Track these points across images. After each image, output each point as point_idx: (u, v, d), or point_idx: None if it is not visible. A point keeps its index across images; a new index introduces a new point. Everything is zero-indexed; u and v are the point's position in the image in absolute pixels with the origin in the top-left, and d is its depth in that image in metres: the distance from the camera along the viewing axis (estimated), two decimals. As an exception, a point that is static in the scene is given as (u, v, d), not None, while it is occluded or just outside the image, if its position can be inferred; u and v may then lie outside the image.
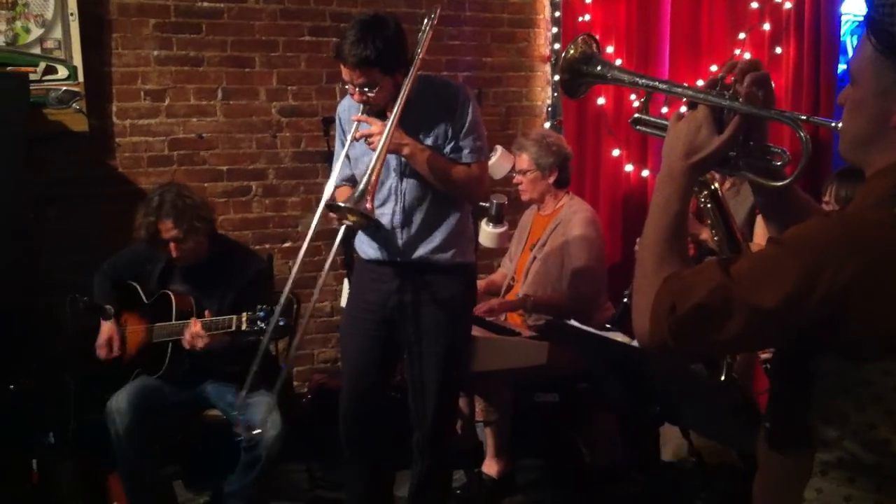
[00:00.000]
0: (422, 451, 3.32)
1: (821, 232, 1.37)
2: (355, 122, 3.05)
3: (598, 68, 1.73)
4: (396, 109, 2.97)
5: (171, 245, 3.53)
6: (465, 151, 3.13)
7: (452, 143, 3.12)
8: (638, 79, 1.75)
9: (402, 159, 3.09)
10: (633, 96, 4.79)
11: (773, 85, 1.58)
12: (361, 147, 3.13)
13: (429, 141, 3.10)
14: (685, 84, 1.64)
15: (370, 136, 2.99)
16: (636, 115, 1.74)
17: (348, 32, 2.99)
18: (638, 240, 3.29)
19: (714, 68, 4.37)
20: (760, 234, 3.57)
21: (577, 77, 1.76)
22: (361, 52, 2.94)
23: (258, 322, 3.26)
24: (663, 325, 1.39)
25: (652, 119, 1.72)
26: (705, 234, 3.49)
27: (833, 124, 1.50)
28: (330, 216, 3.05)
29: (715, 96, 1.54)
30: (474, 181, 3.16)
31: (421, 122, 3.11)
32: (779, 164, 1.58)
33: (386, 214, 3.17)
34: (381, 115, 3.03)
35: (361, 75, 2.98)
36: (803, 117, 1.55)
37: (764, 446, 1.55)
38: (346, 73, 3.02)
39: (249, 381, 3.11)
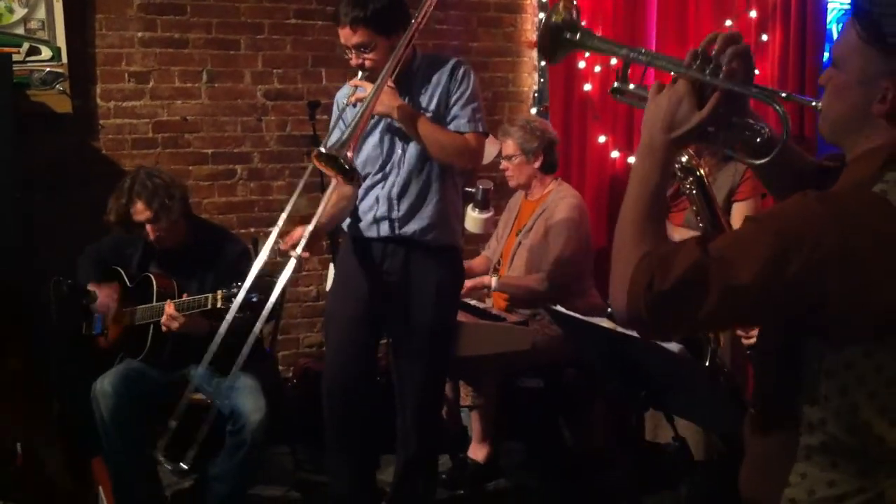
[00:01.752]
0: (407, 436, 3.32)
1: (798, 209, 1.38)
2: (353, 89, 3.04)
3: (579, 36, 1.72)
4: (389, 65, 2.97)
5: (147, 227, 3.51)
6: (463, 121, 3.13)
7: (450, 113, 3.13)
8: (617, 48, 1.73)
9: (405, 135, 3.09)
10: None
11: (754, 58, 1.58)
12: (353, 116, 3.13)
13: (430, 112, 3.12)
14: (667, 55, 1.64)
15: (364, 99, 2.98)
16: (615, 85, 1.73)
17: None
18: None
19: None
20: (736, 221, 3.58)
21: (557, 43, 1.74)
22: (354, 10, 2.97)
23: (233, 300, 3.25)
24: (640, 301, 1.39)
25: (631, 89, 1.71)
26: (677, 235, 3.49)
27: (813, 104, 1.52)
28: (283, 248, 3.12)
29: (696, 71, 1.53)
30: (470, 150, 3.16)
31: (422, 93, 3.14)
32: (759, 140, 1.58)
33: (385, 186, 3.18)
34: None
35: (354, 34, 2.99)
36: (783, 94, 1.57)
37: (750, 431, 1.56)
38: (342, 35, 3.03)
39: (239, 363, 3.11)
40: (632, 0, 4.82)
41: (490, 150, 4.23)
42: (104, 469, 3.48)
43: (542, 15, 5.10)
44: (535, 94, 5.21)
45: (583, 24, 1.75)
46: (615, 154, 4.84)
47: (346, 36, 3.03)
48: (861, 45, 1.41)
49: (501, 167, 4.24)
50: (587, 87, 4.88)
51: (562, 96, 4.96)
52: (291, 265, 3.09)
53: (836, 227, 1.32)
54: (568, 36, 1.72)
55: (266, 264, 3.21)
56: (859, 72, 1.42)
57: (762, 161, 1.57)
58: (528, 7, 5.20)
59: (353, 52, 3.04)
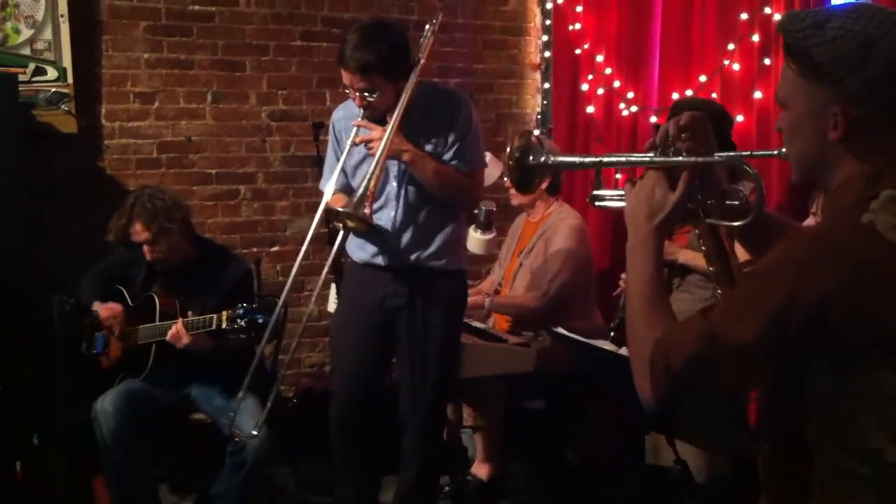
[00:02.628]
0: (413, 456, 3.31)
1: (789, 255, 1.39)
2: (354, 129, 3.04)
3: (543, 158, 1.74)
4: (397, 114, 2.97)
5: (145, 248, 3.51)
6: (465, 160, 3.13)
7: (452, 151, 3.12)
8: (583, 158, 1.82)
9: (402, 165, 3.09)
10: (622, 104, 4.80)
11: (709, 126, 1.63)
12: (360, 153, 3.13)
13: (429, 147, 3.11)
14: (627, 153, 1.70)
15: (370, 141, 2.98)
16: (593, 193, 1.79)
17: (350, 36, 2.98)
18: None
19: (703, 78, 4.38)
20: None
21: (528, 173, 1.75)
22: (363, 56, 2.94)
23: (238, 320, 3.25)
24: (663, 385, 1.42)
25: (608, 193, 1.77)
26: (681, 257, 3.50)
27: (776, 153, 1.55)
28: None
29: (660, 157, 1.59)
30: (471, 190, 3.19)
31: (422, 128, 3.11)
32: (737, 203, 1.63)
33: (384, 220, 3.17)
34: (382, 121, 3.03)
35: (362, 80, 2.97)
36: (745, 153, 1.61)
37: (764, 467, 1.55)
38: (346, 77, 3.01)
39: (246, 384, 3.13)
40: (636, 25, 4.84)
41: (493, 171, 4.24)
42: (105, 488, 3.48)
43: (545, 38, 5.13)
44: (539, 116, 5.23)
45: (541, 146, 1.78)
46: (618, 176, 4.85)
47: (351, 80, 3.00)
48: (801, 81, 1.42)
49: (506, 185, 4.24)
50: (590, 109, 4.90)
51: (565, 118, 4.98)
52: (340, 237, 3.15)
53: (830, 265, 1.32)
54: (531, 161, 1.74)
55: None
56: (806, 106, 1.43)
57: (742, 223, 1.60)
58: (533, 30, 5.23)
59: (357, 94, 3.03)
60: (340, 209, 2.94)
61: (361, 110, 3.03)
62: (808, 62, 1.40)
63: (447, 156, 3.12)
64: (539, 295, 4.03)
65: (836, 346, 1.34)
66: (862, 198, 1.38)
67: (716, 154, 1.59)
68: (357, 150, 3.11)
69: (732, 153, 1.62)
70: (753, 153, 1.63)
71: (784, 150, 1.52)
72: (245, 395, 3.26)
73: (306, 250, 3.21)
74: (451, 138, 3.12)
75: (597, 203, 1.78)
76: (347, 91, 3.07)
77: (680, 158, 1.57)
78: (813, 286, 1.31)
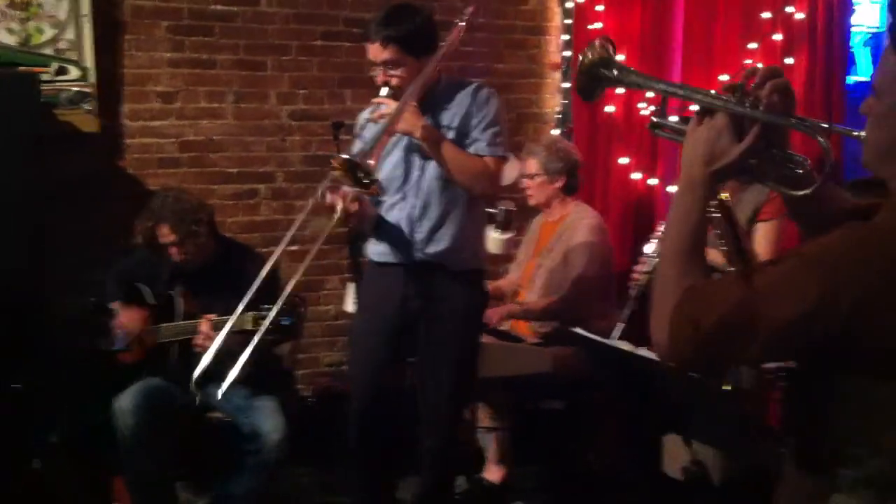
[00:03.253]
0: (434, 460, 3.30)
1: (840, 246, 1.35)
2: (376, 105, 3.06)
3: (616, 73, 1.71)
4: (415, 84, 2.98)
5: (172, 249, 3.54)
6: (482, 144, 3.12)
7: (472, 136, 3.12)
8: (655, 83, 1.73)
9: (425, 159, 3.10)
10: (642, 104, 4.78)
11: (793, 92, 1.55)
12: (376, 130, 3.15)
13: (451, 133, 3.11)
14: (705, 90, 1.62)
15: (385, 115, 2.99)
16: (653, 119, 1.71)
17: (378, 14, 3.06)
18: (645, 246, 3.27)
19: (725, 78, 4.36)
20: (760, 241, 3.54)
21: (593, 81, 1.73)
22: (386, 28, 3.00)
23: (262, 321, 3.26)
24: (685, 340, 1.38)
25: (669, 123, 1.69)
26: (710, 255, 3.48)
27: (855, 133, 1.48)
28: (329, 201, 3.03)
29: (735, 104, 1.51)
30: (489, 175, 3.14)
31: (443, 115, 3.13)
32: (800, 171, 1.55)
33: (405, 208, 3.17)
34: None
35: (384, 50, 3.01)
36: (825, 125, 1.52)
37: (788, 463, 1.53)
38: (370, 51, 3.06)
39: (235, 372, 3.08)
40: (657, 24, 4.82)
41: (512, 171, 4.23)
42: (123, 487, 3.50)
43: (566, 37, 5.11)
44: (559, 116, 5.21)
45: (619, 59, 1.74)
46: (637, 176, 4.83)
47: (375, 52, 3.04)
48: None
49: (523, 185, 4.24)
50: (610, 108, 4.88)
51: (586, 118, 4.97)
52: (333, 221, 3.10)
53: (879, 263, 1.30)
54: (604, 72, 1.70)
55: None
56: None
57: (801, 193, 1.54)
58: (553, 29, 5.21)
59: (381, 68, 3.05)
60: (346, 156, 2.84)
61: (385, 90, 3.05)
62: None
63: (467, 141, 3.12)
64: (562, 297, 4.01)
65: (870, 348, 1.31)
66: None
67: (793, 117, 1.52)
68: (375, 126, 3.09)
69: (809, 120, 1.54)
70: (833, 126, 1.54)
71: (863, 133, 1.46)
72: (260, 396, 3.27)
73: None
74: (471, 122, 3.13)
75: (656, 131, 1.71)
76: (373, 74, 3.08)
77: (757, 112, 1.49)
78: (855, 286, 1.29)
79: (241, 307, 3.09)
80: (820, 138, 1.50)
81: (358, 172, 2.82)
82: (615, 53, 1.73)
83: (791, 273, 1.35)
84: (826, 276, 1.31)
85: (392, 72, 3.03)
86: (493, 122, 3.14)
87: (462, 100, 3.15)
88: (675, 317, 1.39)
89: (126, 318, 3.60)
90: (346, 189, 3.01)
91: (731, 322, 1.34)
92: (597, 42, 1.74)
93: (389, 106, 2.99)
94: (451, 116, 3.14)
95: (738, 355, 1.37)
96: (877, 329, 1.30)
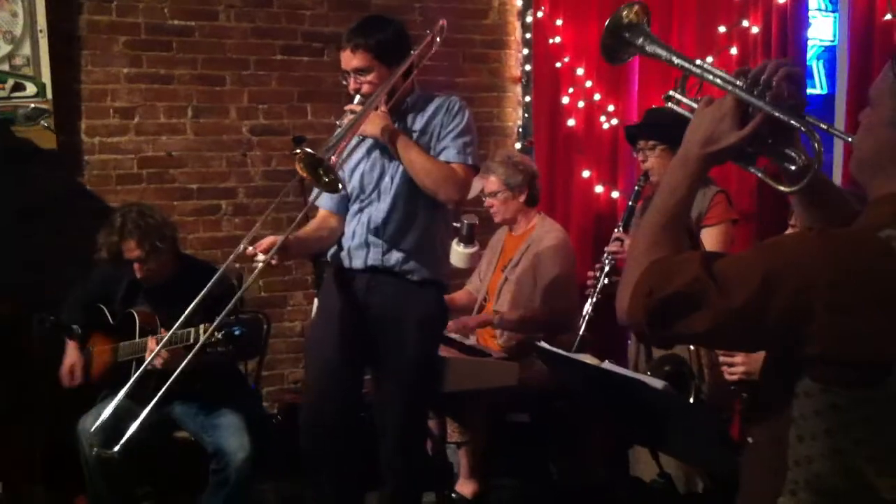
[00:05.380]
0: (390, 471, 3.29)
1: (798, 243, 1.38)
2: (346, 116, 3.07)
3: (640, 40, 1.74)
4: (383, 86, 3.04)
5: (135, 265, 3.51)
6: (452, 151, 3.14)
7: (441, 143, 3.15)
8: (674, 57, 1.74)
9: (397, 165, 3.11)
10: (602, 117, 4.82)
11: (804, 87, 1.59)
12: (355, 157, 3.19)
13: (421, 139, 3.15)
14: (720, 70, 1.64)
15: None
16: (670, 92, 1.75)
17: (352, 25, 3.13)
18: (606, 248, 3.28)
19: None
20: (708, 246, 3.57)
21: (618, 43, 1.75)
22: (358, 36, 3.07)
23: (214, 333, 3.24)
24: (640, 306, 1.42)
25: (683, 99, 1.73)
26: None
27: (850, 139, 1.51)
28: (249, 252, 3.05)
29: (744, 89, 1.54)
30: (456, 180, 3.13)
31: (415, 122, 3.18)
32: (794, 168, 1.57)
33: (371, 212, 3.18)
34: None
35: (354, 57, 3.07)
36: (823, 126, 1.54)
37: (745, 459, 1.55)
38: (343, 59, 3.11)
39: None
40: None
41: (474, 185, 4.24)
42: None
43: (526, 51, 5.14)
44: (520, 129, 5.24)
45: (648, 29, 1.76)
46: (599, 189, 4.87)
47: (347, 59, 3.09)
48: (894, 88, 1.41)
49: (486, 204, 4.24)
50: (571, 122, 4.91)
51: (546, 131, 5.00)
52: (257, 270, 3.07)
53: (829, 269, 1.31)
54: (628, 36, 1.73)
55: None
56: (891, 112, 1.42)
57: (790, 189, 1.58)
58: (513, 43, 5.25)
59: (351, 76, 3.09)
60: (308, 150, 2.85)
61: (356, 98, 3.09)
62: None
63: (437, 148, 3.15)
64: (541, 304, 4.03)
65: (812, 348, 1.32)
66: (890, 215, 1.38)
67: (794, 116, 1.53)
68: (352, 154, 3.14)
69: (811, 118, 1.55)
70: (831, 127, 1.56)
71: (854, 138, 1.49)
72: (226, 411, 3.25)
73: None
74: (443, 133, 3.16)
75: (669, 103, 1.75)
76: (345, 81, 3.13)
77: (762, 102, 1.52)
78: (805, 284, 1.30)
79: (182, 319, 3.08)
80: (814, 142, 1.53)
81: (319, 169, 2.84)
82: (649, 24, 1.75)
83: (744, 261, 1.39)
84: (772, 267, 1.34)
85: (362, 78, 3.08)
86: (463, 131, 3.16)
87: (433, 109, 3.18)
88: (637, 285, 1.43)
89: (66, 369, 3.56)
90: (266, 242, 3.03)
91: (681, 295, 1.37)
92: (635, 6, 1.76)
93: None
94: (421, 123, 3.18)
95: (686, 329, 1.39)
96: (815, 335, 1.31)
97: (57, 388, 3.63)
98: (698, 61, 1.71)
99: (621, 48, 1.77)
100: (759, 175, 1.62)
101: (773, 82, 1.53)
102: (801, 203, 1.70)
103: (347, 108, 3.09)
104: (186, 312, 3.05)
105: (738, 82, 1.56)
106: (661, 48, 1.76)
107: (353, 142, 3.08)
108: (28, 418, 3.68)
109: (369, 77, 3.07)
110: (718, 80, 1.61)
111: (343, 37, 3.12)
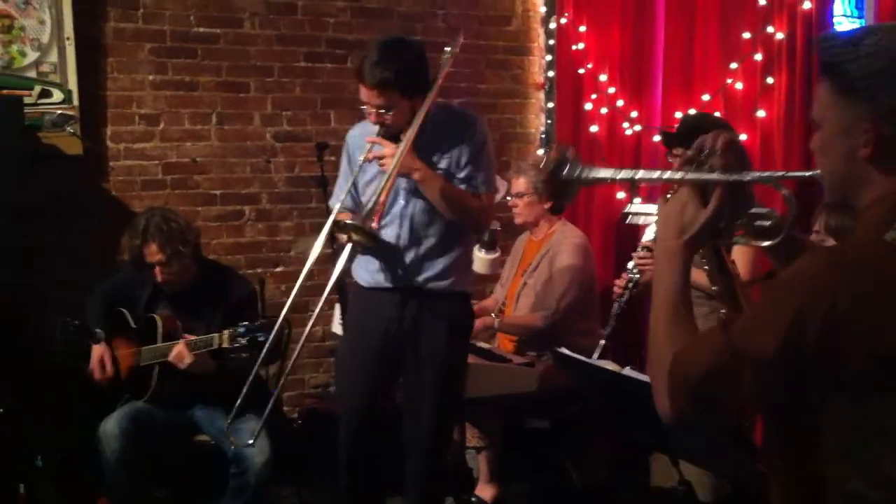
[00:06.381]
0: (416, 480, 3.29)
1: (810, 268, 1.38)
2: (368, 145, 3.05)
3: (577, 172, 1.71)
4: (411, 132, 2.99)
5: (157, 269, 3.53)
6: (477, 181, 3.13)
7: (465, 172, 3.13)
8: (615, 174, 1.74)
9: (412, 183, 3.09)
10: (625, 123, 4.81)
11: (745, 149, 1.62)
12: (372, 170, 3.14)
13: (442, 165, 3.12)
14: (661, 169, 1.67)
15: (382, 157, 2.99)
16: (625, 210, 1.78)
17: (370, 53, 3.01)
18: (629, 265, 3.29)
19: (706, 97, 4.39)
20: (738, 258, 3.54)
21: (561, 185, 1.74)
22: (382, 73, 2.96)
23: (239, 339, 3.25)
24: (681, 399, 1.42)
25: (641, 210, 1.76)
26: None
27: (809, 174, 1.55)
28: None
29: (693, 173, 1.58)
30: (483, 211, 3.17)
31: (435, 146, 3.13)
32: (768, 223, 1.62)
33: (390, 236, 3.16)
34: (396, 139, 3.03)
35: (380, 96, 2.99)
36: (779, 174, 1.59)
37: (775, 490, 1.53)
38: (364, 93, 3.03)
39: (237, 406, 3.11)
40: (638, 44, 4.85)
41: (500, 184, 4.25)
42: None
43: (549, 58, 5.14)
44: (543, 135, 5.23)
45: (577, 160, 1.74)
46: (621, 195, 4.85)
47: (367, 95, 3.02)
48: (834, 98, 1.43)
49: (510, 204, 4.25)
50: (594, 128, 4.91)
51: (569, 137, 4.98)
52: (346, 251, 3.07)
53: (847, 283, 1.32)
54: (565, 173, 1.72)
55: (273, 305, 3.22)
56: (838, 124, 1.43)
57: (769, 243, 1.60)
58: (536, 49, 5.25)
59: (374, 110, 3.04)
60: (348, 221, 2.95)
61: (377, 127, 3.05)
62: (842, 79, 1.41)
63: (459, 176, 3.13)
64: (547, 314, 4.03)
65: (849, 364, 1.32)
66: (889, 216, 1.38)
67: (750, 173, 1.57)
68: (369, 167, 3.12)
69: (767, 173, 1.60)
70: (787, 173, 1.61)
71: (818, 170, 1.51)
72: (244, 418, 3.26)
73: (311, 270, 3.20)
74: (463, 159, 3.12)
75: (628, 220, 1.79)
76: (364, 108, 3.08)
77: (714, 176, 1.55)
78: (828, 298, 1.31)
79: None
80: (782, 190, 1.56)
81: (363, 232, 2.94)
82: (577, 157, 1.73)
83: (765, 308, 1.40)
84: (797, 301, 1.34)
85: (386, 115, 3.03)
86: (486, 158, 3.17)
87: (454, 134, 3.14)
88: (670, 381, 1.44)
89: (95, 361, 3.58)
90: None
91: (716, 369, 1.39)
92: (552, 149, 1.78)
93: (384, 146, 3.00)
94: (441, 148, 3.14)
95: (731, 400, 1.41)
96: (850, 350, 1.31)
97: (78, 390, 3.65)
98: (641, 172, 1.70)
99: (568, 187, 1.74)
100: (743, 243, 1.67)
101: (717, 151, 1.56)
102: (779, 254, 1.70)
103: (369, 139, 3.05)
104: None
105: (684, 170, 1.59)
106: (600, 172, 1.74)
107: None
108: (49, 420, 3.71)
109: (391, 112, 3.02)
110: (666, 176, 1.63)
111: (363, 68, 3.00)
